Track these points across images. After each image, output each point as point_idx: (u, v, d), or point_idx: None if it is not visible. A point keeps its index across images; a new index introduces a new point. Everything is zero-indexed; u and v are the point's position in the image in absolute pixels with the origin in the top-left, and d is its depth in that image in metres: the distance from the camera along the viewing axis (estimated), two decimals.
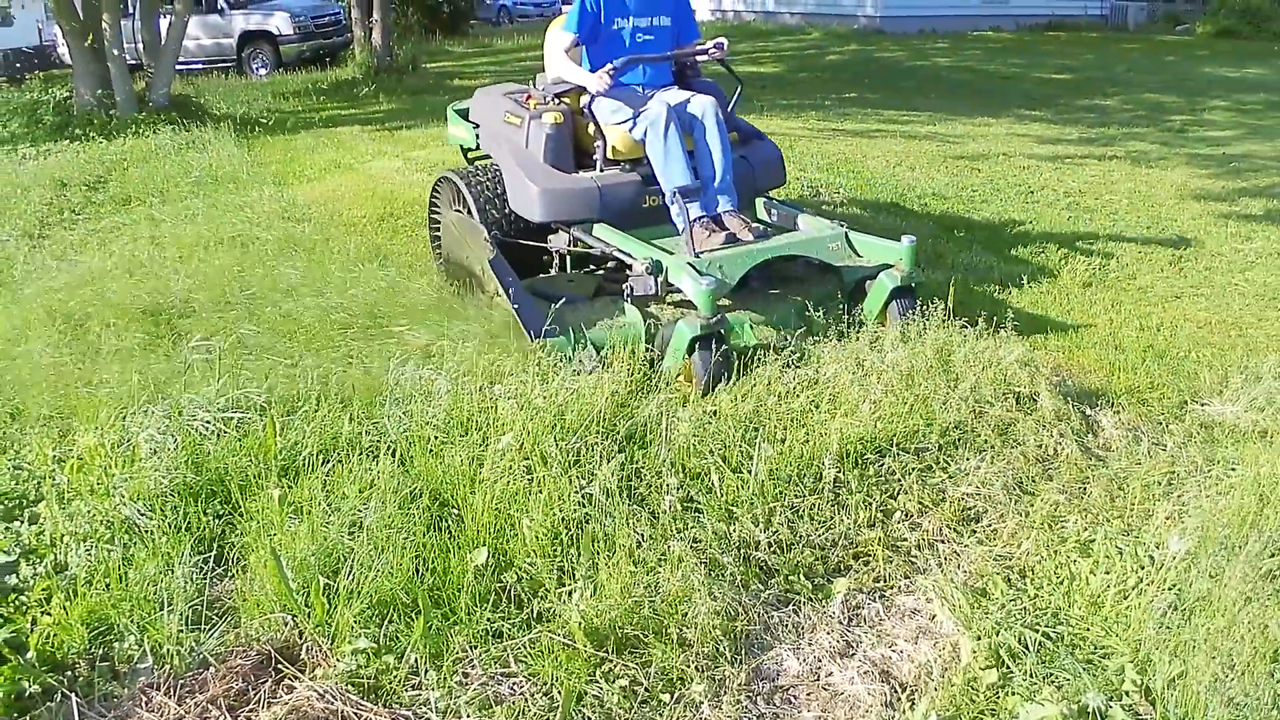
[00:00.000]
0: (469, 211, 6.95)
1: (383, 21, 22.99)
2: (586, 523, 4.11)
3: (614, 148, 6.71)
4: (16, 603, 3.88)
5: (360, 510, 4.17)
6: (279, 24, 25.74)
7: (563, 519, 4.10)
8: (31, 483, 4.74)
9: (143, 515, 4.29)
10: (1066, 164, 11.95)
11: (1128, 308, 7.12)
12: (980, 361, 5.32)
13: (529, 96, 7.07)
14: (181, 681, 3.49)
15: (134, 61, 17.74)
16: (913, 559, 4.20)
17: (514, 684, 3.48)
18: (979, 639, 3.61)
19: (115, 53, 16.35)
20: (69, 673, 3.52)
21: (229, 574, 4.09)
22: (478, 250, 6.17)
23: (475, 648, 3.60)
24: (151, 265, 7.85)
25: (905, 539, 4.30)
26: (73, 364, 5.84)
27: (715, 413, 4.94)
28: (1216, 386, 5.77)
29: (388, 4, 23.58)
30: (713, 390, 5.27)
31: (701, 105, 6.63)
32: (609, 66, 6.47)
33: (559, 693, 3.41)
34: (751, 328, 5.98)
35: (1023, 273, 7.73)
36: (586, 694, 3.42)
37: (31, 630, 3.67)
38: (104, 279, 7.42)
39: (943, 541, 4.28)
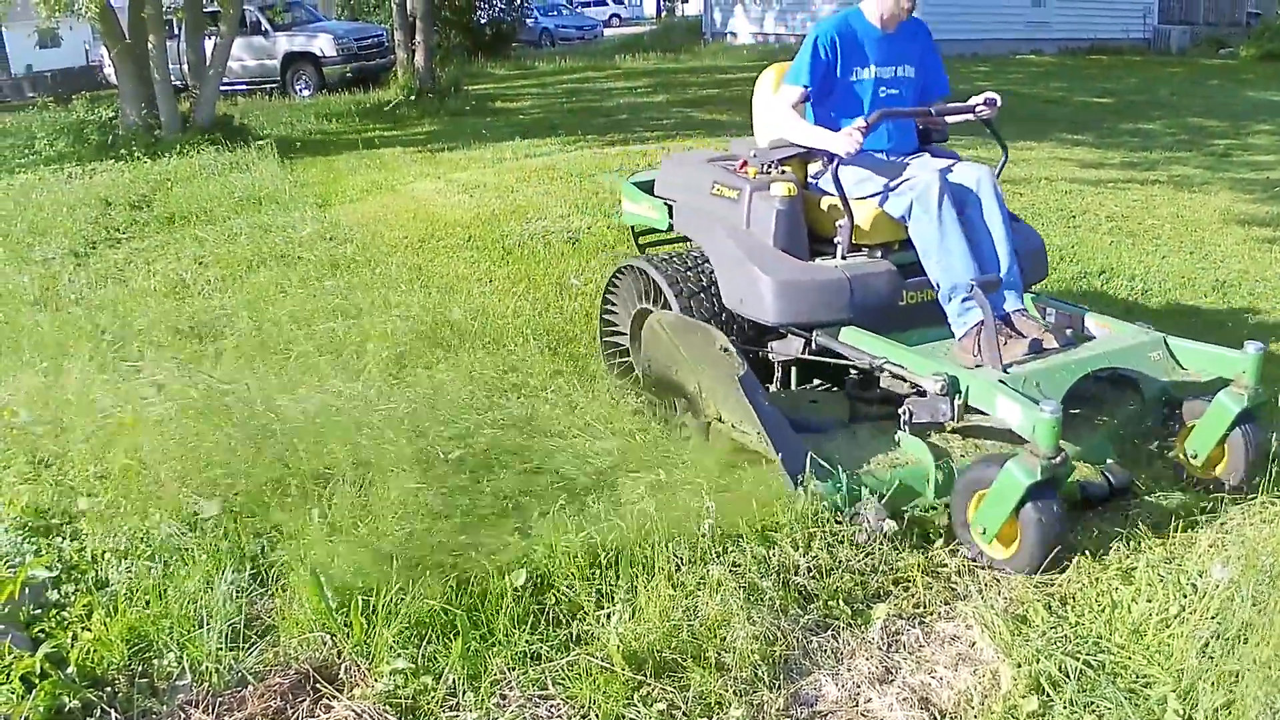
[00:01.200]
0: (664, 307, 5.64)
1: (425, 43, 23.14)
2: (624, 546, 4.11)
3: (859, 228, 5.26)
4: (58, 618, 3.91)
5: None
6: (323, 46, 25.99)
7: (600, 542, 4.09)
8: (73, 498, 4.77)
9: (182, 533, 4.31)
10: (1109, 188, 11.88)
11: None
12: None
13: (744, 164, 5.67)
14: (220, 699, 3.50)
15: (179, 82, 17.95)
16: (953, 585, 4.16)
17: (552, 706, 3.47)
18: (1019, 666, 3.58)
19: (160, 74, 16.56)
20: (108, 689, 3.54)
21: (268, 592, 4.10)
22: (708, 362, 4.90)
23: (513, 669, 3.60)
24: (195, 285, 7.92)
25: (945, 564, 4.26)
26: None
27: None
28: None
29: (430, 26, 23.74)
30: (1046, 561, 4.12)
31: (975, 175, 5.28)
32: (859, 123, 5.10)
33: (597, 716, 3.40)
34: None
35: (1065, 298, 7.68)
36: (624, 717, 3.40)
37: (72, 646, 3.69)
38: (148, 297, 7.50)
39: (983, 568, 4.25)
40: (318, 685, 3.56)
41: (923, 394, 4.63)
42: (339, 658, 3.70)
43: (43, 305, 7.76)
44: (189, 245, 9.48)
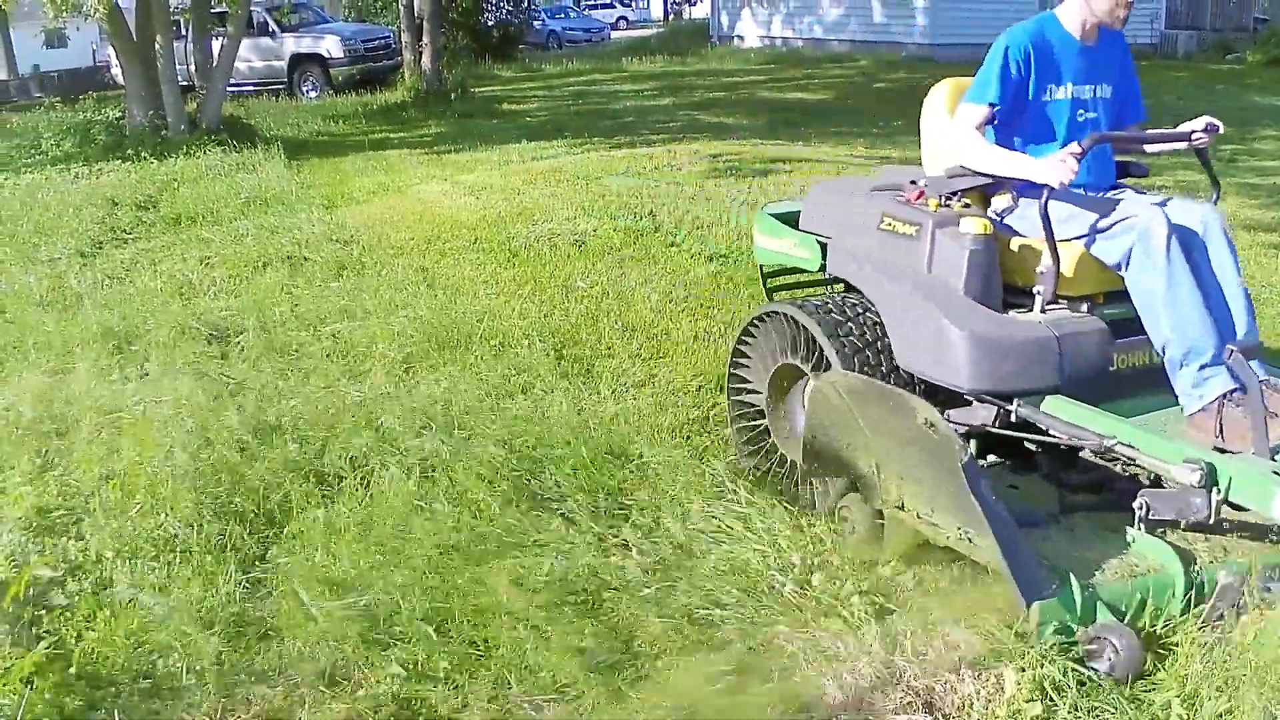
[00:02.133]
0: (816, 364, 4.66)
1: (432, 45, 23.14)
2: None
3: (1062, 275, 4.39)
4: (62, 618, 3.91)
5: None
6: (329, 47, 25.99)
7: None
8: (78, 499, 4.78)
9: (185, 534, 4.32)
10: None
11: None
12: None
13: (920, 194, 4.71)
14: (223, 701, 3.50)
15: (186, 83, 17.94)
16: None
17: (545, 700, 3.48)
18: (1023, 671, 3.57)
19: (168, 74, 16.57)
20: (111, 690, 3.53)
21: (271, 594, 4.11)
22: (900, 439, 3.93)
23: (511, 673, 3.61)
24: (201, 285, 7.93)
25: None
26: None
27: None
28: None
29: (437, 28, 23.74)
30: None
31: (1199, 215, 4.41)
32: (1074, 148, 4.29)
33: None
34: None
35: None
36: None
37: (75, 647, 3.69)
38: (154, 297, 7.51)
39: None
40: (321, 687, 3.56)
41: (1159, 482, 3.96)
42: (342, 659, 3.70)
43: (49, 305, 7.77)
44: (195, 246, 9.49)
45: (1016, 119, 4.65)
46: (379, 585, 3.97)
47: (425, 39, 23.18)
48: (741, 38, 35.34)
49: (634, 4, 64.11)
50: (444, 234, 9.92)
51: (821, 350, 4.58)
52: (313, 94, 25.60)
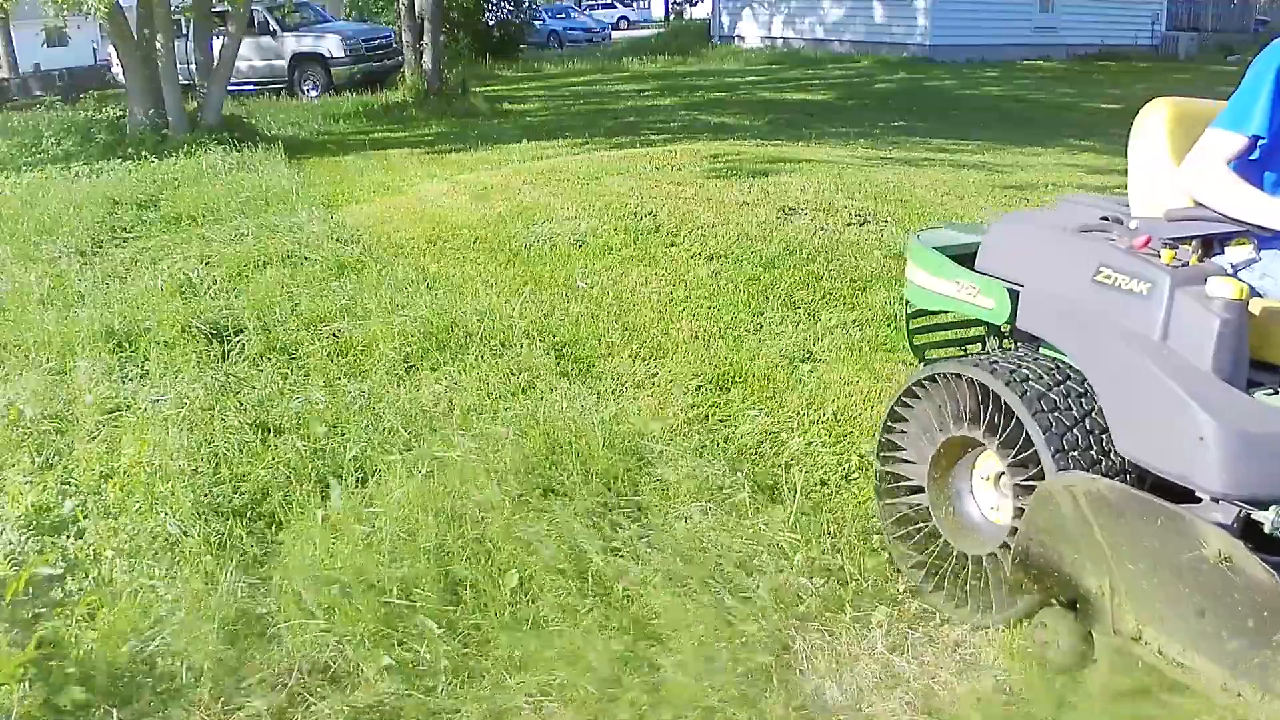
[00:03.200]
0: (1009, 441, 3.80)
1: (433, 45, 23.14)
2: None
3: None
4: (61, 615, 3.91)
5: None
6: (330, 46, 26.01)
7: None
8: (78, 497, 4.78)
9: (185, 533, 4.32)
10: (1117, 194, 11.80)
11: None
12: None
13: (1145, 240, 3.80)
14: (222, 698, 3.50)
15: (186, 82, 17.95)
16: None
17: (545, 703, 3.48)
18: (1026, 669, 3.57)
19: (168, 73, 16.58)
20: (110, 687, 3.53)
21: (270, 594, 4.11)
22: (1157, 564, 3.27)
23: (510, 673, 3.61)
24: (202, 284, 7.93)
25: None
26: None
27: None
28: None
29: (438, 28, 23.74)
30: None
31: None
32: None
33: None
34: None
35: None
36: None
37: (75, 644, 3.69)
38: (154, 296, 7.50)
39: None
40: (319, 684, 3.56)
41: None
42: (341, 656, 3.70)
43: (49, 304, 7.77)
44: (196, 245, 9.48)
45: (1275, 155, 3.85)
46: (380, 584, 3.97)
47: (426, 38, 23.18)
48: (742, 38, 35.39)
49: (635, 4, 64.16)
50: (444, 233, 9.91)
51: (1008, 423, 3.81)
52: (313, 93, 25.62)
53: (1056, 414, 3.72)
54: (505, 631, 3.77)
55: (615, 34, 50.74)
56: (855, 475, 4.99)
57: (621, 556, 4.19)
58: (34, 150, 16.46)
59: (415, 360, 6.36)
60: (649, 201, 10.25)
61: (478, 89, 24.79)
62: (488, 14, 33.86)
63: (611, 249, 8.87)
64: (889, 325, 6.85)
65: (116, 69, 22.38)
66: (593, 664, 3.60)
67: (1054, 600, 3.62)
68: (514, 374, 6.07)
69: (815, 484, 4.88)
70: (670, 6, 61.43)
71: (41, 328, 6.99)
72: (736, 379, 6.13)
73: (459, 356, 6.34)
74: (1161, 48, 34.55)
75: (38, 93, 29.01)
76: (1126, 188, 4.48)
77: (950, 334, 5.09)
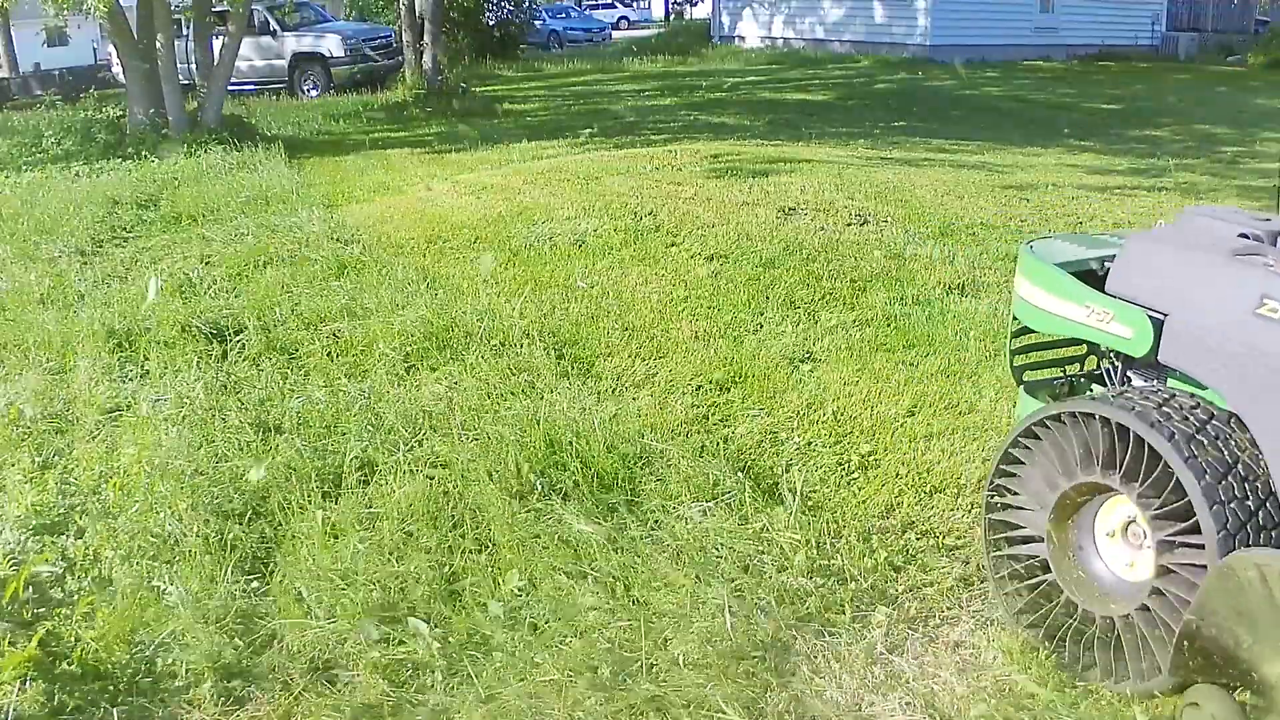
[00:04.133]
0: (1151, 490, 3.37)
1: (433, 45, 23.13)
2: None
3: None
4: (60, 615, 3.91)
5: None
6: (330, 46, 26.01)
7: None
8: (78, 497, 4.79)
9: (184, 533, 4.33)
10: (1116, 194, 11.84)
11: None
12: None
13: None
14: (222, 697, 3.50)
15: (187, 81, 17.96)
16: (955, 592, 4.16)
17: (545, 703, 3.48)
18: (1026, 672, 3.57)
19: (168, 73, 16.58)
20: (110, 686, 3.54)
21: (269, 593, 4.11)
22: None
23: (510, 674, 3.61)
24: (202, 284, 7.93)
25: (948, 573, 4.26)
26: None
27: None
28: None
29: (438, 27, 23.73)
30: None
31: None
32: None
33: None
34: None
35: None
36: None
37: (75, 644, 3.70)
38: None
39: (987, 579, 4.23)
40: (320, 681, 3.57)
41: None
42: (341, 652, 3.71)
43: (49, 304, 7.77)
44: (196, 245, 9.49)
45: None
46: (381, 583, 3.98)
47: (426, 38, 23.17)
48: (743, 38, 35.37)
49: (635, 4, 64.14)
50: (444, 233, 9.90)
51: (1150, 469, 3.36)
52: (314, 93, 25.62)
53: (1209, 460, 3.26)
54: (505, 631, 3.77)
55: (615, 34, 50.74)
56: (855, 475, 4.99)
57: (622, 556, 4.20)
58: (34, 150, 16.46)
59: (415, 360, 6.36)
60: (649, 201, 10.25)
61: (478, 89, 24.79)
62: (488, 14, 33.85)
63: (611, 249, 8.87)
64: (889, 325, 6.86)
65: (116, 69, 22.39)
66: (593, 664, 3.60)
67: (1215, 680, 3.19)
68: (514, 374, 6.07)
69: (815, 484, 4.88)
70: (670, 6, 61.42)
71: (41, 327, 7.00)
72: (736, 379, 6.13)
73: (459, 356, 6.34)
74: (1161, 48, 34.53)
75: (38, 92, 28.99)
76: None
77: (1046, 354, 4.69)
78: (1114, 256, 3.97)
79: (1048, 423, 3.67)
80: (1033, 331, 4.38)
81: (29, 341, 6.77)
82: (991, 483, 3.90)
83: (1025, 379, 4.53)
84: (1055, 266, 4.07)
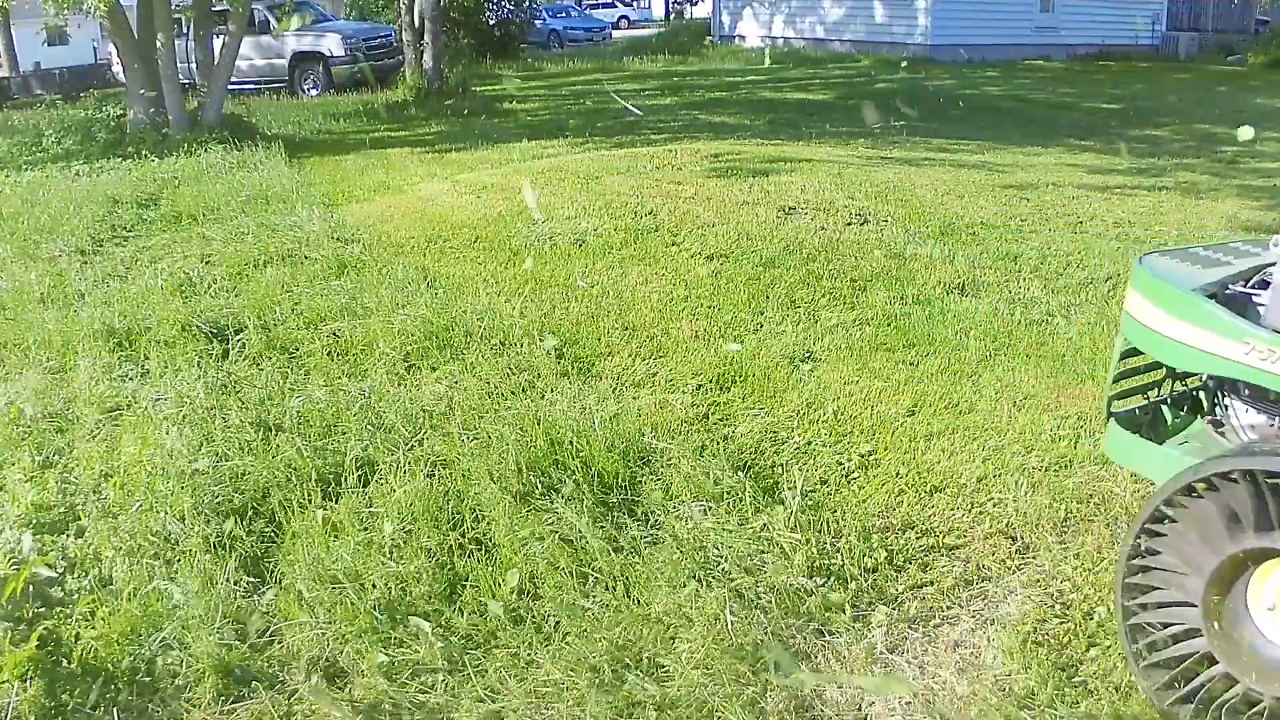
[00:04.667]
0: None
1: (433, 44, 23.13)
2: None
3: None
4: (60, 615, 3.91)
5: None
6: (331, 45, 26.01)
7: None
8: (78, 496, 4.79)
9: (185, 533, 4.33)
10: (1116, 194, 11.84)
11: None
12: None
13: None
14: (222, 697, 3.50)
15: (187, 81, 17.96)
16: (956, 592, 4.16)
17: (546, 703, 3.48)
18: (1026, 670, 3.57)
19: (169, 72, 16.58)
20: (111, 686, 3.54)
21: (270, 590, 4.11)
22: None
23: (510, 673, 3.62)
24: (202, 283, 7.93)
25: (948, 574, 4.26)
26: None
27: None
28: None
29: (439, 27, 23.73)
30: None
31: None
32: None
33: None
34: None
35: (1070, 303, 7.67)
36: None
37: (75, 643, 3.70)
38: (154, 295, 7.51)
39: (987, 579, 4.24)
40: (321, 680, 3.57)
41: None
42: (342, 652, 3.71)
43: (49, 303, 7.77)
44: (196, 244, 9.48)
45: None
46: (381, 582, 3.98)
47: (426, 38, 23.17)
48: (743, 38, 35.37)
49: (635, 3, 64.14)
50: (445, 233, 9.90)
51: None
52: (314, 92, 25.63)
53: None
54: (505, 631, 3.78)
55: (615, 33, 50.73)
56: (855, 475, 4.99)
57: (622, 556, 4.20)
58: (34, 149, 16.47)
59: (416, 359, 6.36)
60: (649, 201, 10.25)
61: (478, 88, 24.78)
62: (488, 13, 33.86)
63: (611, 248, 8.87)
64: (889, 325, 6.85)
65: (117, 68, 22.40)
66: (593, 664, 3.60)
67: None
68: (514, 373, 6.07)
69: (815, 484, 4.88)
70: (670, 6, 61.42)
71: (42, 326, 7.00)
72: (736, 378, 6.13)
73: (459, 356, 6.34)
74: (1162, 48, 34.53)
75: (38, 91, 29.00)
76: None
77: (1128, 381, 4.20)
78: (1242, 276, 3.56)
79: (1203, 488, 3.12)
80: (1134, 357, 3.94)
81: (29, 340, 6.77)
82: (1132, 545, 3.31)
83: (1113, 410, 4.05)
84: (1194, 293, 3.52)
